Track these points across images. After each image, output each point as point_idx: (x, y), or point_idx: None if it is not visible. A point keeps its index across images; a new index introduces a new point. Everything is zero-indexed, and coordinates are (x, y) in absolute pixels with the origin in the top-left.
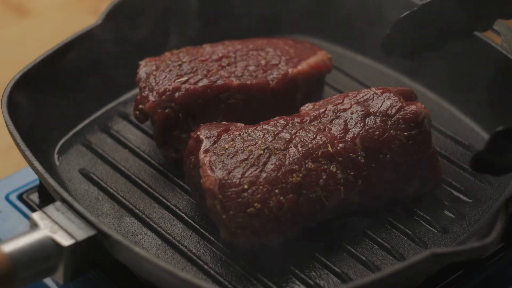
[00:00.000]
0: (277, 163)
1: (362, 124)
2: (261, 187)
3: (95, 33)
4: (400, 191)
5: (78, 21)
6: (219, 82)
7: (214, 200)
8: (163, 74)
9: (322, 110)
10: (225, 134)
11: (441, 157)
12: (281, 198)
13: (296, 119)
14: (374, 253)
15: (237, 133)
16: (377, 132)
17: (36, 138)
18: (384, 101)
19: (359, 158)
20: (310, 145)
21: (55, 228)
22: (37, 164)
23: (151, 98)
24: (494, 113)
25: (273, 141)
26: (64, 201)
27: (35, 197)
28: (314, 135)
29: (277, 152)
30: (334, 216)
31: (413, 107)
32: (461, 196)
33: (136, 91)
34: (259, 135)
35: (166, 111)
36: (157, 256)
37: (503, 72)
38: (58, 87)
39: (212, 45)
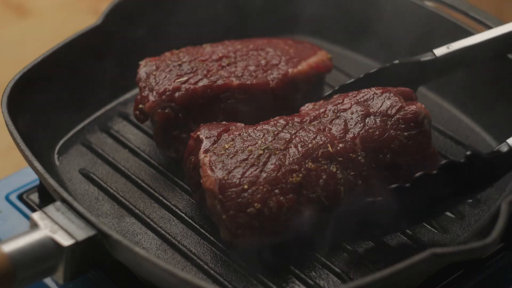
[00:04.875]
0: (277, 163)
1: (362, 124)
2: (261, 187)
3: (95, 33)
4: None
5: (78, 21)
6: (219, 82)
7: (214, 200)
8: (163, 74)
9: (322, 110)
10: (225, 134)
11: (441, 157)
12: (281, 198)
13: (296, 119)
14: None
15: (237, 133)
16: (377, 132)
17: (36, 138)
18: (384, 101)
19: (359, 158)
20: (310, 145)
21: (55, 228)
22: (37, 164)
23: (151, 98)
24: (494, 113)
25: (273, 141)
26: (64, 201)
27: (35, 197)
28: (314, 135)
29: (277, 152)
30: (334, 216)
31: (413, 107)
32: None
33: (136, 91)
34: (259, 135)
35: (166, 111)
36: (157, 256)
37: (503, 72)
38: (58, 87)
39: (212, 45)
